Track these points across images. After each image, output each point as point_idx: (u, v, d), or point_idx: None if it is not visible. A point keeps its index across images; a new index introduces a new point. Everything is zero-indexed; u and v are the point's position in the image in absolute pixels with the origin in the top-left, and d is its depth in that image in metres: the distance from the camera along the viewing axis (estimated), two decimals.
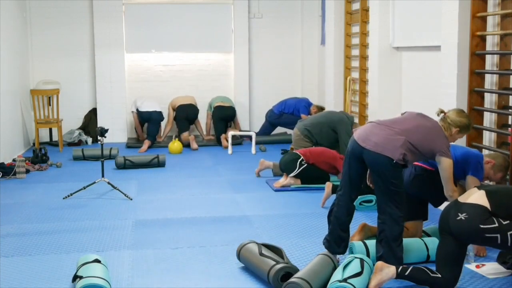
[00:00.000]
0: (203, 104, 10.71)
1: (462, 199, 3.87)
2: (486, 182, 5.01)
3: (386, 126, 4.25)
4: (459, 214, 3.75)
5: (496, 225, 3.68)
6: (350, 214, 4.39)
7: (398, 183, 4.16)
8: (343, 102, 9.53)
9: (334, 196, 6.15)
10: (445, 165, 4.28)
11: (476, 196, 3.81)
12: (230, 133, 9.70)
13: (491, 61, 5.69)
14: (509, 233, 3.67)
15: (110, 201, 6.50)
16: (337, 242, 4.36)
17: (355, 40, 9.24)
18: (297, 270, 4.02)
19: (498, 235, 3.68)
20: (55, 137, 10.32)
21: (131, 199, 6.53)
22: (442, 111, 4.55)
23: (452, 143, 4.50)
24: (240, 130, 10.67)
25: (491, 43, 5.69)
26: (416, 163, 4.76)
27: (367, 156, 4.18)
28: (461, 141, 5.74)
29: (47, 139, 10.45)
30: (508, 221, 3.70)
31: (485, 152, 5.47)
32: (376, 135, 4.19)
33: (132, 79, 10.98)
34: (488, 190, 3.83)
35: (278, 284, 3.96)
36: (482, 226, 3.69)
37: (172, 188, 7.11)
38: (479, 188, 3.90)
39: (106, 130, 6.73)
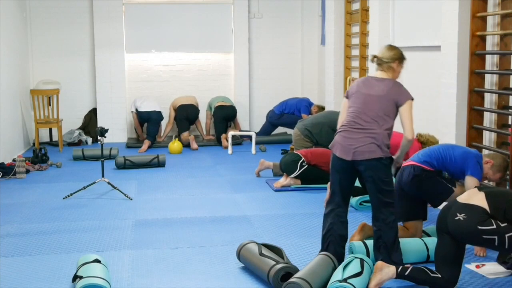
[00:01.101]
0: (203, 104, 10.72)
1: (461, 199, 3.87)
2: (485, 182, 5.02)
3: (357, 129, 4.23)
4: (458, 214, 3.75)
5: (494, 227, 3.68)
6: (347, 227, 4.42)
7: (390, 180, 4.21)
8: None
9: None
10: (407, 107, 4.25)
11: (476, 198, 3.81)
12: (230, 133, 9.70)
13: (491, 61, 5.69)
14: (507, 235, 3.68)
15: (110, 201, 6.50)
16: (339, 259, 4.30)
17: (355, 40, 9.24)
18: (297, 270, 4.02)
19: (496, 237, 3.68)
20: (55, 137, 10.32)
21: (131, 199, 6.53)
22: (374, 56, 4.46)
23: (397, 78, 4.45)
24: (240, 130, 10.67)
25: (491, 43, 5.69)
26: (415, 163, 4.77)
27: (359, 167, 4.20)
28: (461, 142, 5.75)
29: (47, 139, 10.45)
30: (506, 224, 3.70)
31: (485, 152, 5.47)
32: (356, 141, 4.21)
33: (132, 79, 10.98)
34: (488, 193, 3.83)
35: (278, 284, 3.97)
36: (480, 227, 3.69)
37: (172, 188, 7.11)
38: (480, 189, 3.90)
39: (106, 130, 6.73)
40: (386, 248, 4.20)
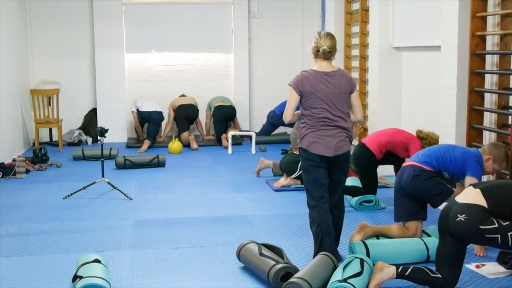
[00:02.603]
0: (203, 104, 10.71)
1: (459, 199, 3.86)
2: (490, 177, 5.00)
3: (330, 126, 4.40)
4: (459, 215, 3.75)
5: (496, 225, 3.68)
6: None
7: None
8: None
9: None
10: (357, 93, 4.56)
11: (473, 196, 3.80)
12: (230, 133, 9.70)
13: (491, 61, 5.69)
14: (509, 233, 3.67)
15: (110, 201, 6.50)
16: (333, 251, 4.41)
17: (355, 40, 9.23)
18: (297, 270, 4.02)
19: (499, 236, 3.68)
20: (55, 137, 10.32)
21: (131, 199, 6.53)
22: (317, 50, 4.47)
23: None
24: (240, 130, 10.67)
25: (491, 43, 5.68)
26: (415, 163, 4.77)
27: (337, 160, 4.44)
28: (461, 142, 5.75)
29: (47, 139, 10.45)
30: (508, 222, 3.70)
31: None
32: (333, 137, 4.40)
33: (132, 79, 10.98)
34: (482, 188, 3.82)
35: (278, 284, 3.97)
36: (482, 227, 3.69)
37: (172, 188, 7.11)
38: (475, 186, 3.89)
39: (106, 130, 6.73)
40: (338, 235, 4.61)
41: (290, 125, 9.98)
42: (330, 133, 4.39)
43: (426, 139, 6.08)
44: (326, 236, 4.40)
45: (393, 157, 6.25)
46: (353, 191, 6.18)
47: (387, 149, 6.16)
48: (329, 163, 4.44)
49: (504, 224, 3.69)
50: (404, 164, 4.90)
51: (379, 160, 6.18)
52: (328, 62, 4.47)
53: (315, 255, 4.41)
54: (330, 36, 4.47)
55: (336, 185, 4.53)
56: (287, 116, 4.50)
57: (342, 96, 4.41)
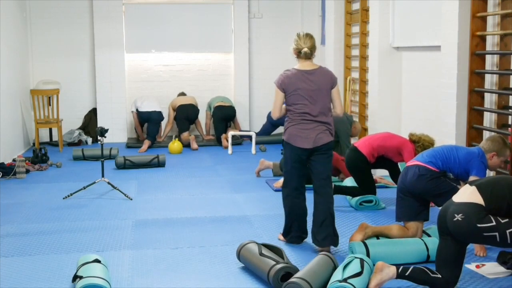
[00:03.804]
0: (203, 104, 10.71)
1: (456, 198, 3.86)
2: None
3: (310, 121, 4.71)
4: (456, 215, 3.74)
5: (494, 223, 3.68)
6: (305, 201, 4.96)
7: None
8: (343, 102, 9.53)
9: (335, 196, 6.22)
10: (338, 88, 4.87)
11: (469, 194, 3.80)
12: (230, 133, 9.70)
13: (491, 61, 5.70)
14: (508, 231, 3.66)
15: (110, 201, 6.50)
16: (303, 231, 4.96)
17: (355, 40, 9.24)
18: (297, 270, 4.02)
19: (497, 234, 3.67)
20: (55, 137, 10.32)
21: (131, 199, 6.53)
22: (300, 50, 4.91)
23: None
24: (240, 130, 10.67)
25: (491, 43, 5.69)
26: (419, 163, 4.76)
27: (318, 151, 4.73)
28: (461, 142, 5.75)
29: (47, 139, 10.45)
30: (507, 219, 3.69)
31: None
32: (312, 130, 4.71)
33: (132, 79, 10.98)
34: (478, 185, 3.82)
35: (278, 284, 3.97)
36: (479, 225, 3.68)
37: (172, 188, 7.11)
38: (470, 184, 3.89)
39: (106, 130, 6.73)
40: (332, 221, 4.72)
41: None
42: (309, 127, 4.71)
43: (419, 142, 6.01)
44: (295, 221, 4.90)
45: (387, 161, 6.22)
46: (353, 191, 6.18)
47: (379, 154, 6.12)
48: (311, 154, 4.75)
49: (503, 221, 3.68)
50: (408, 164, 4.89)
51: (372, 163, 6.16)
52: (310, 61, 4.87)
53: (284, 228, 4.99)
54: (310, 36, 4.87)
55: (319, 174, 4.77)
56: (275, 113, 4.83)
57: (323, 92, 4.74)
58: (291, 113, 4.77)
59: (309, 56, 4.85)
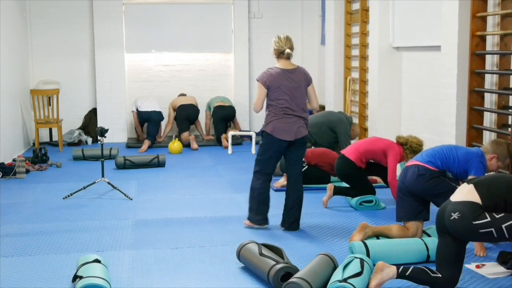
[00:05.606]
0: (203, 104, 10.71)
1: (453, 198, 3.87)
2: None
3: (290, 115, 5.20)
4: (452, 214, 3.75)
5: (489, 219, 3.67)
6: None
7: None
8: (343, 102, 9.53)
9: (335, 197, 6.23)
10: (313, 85, 5.40)
11: (466, 192, 3.80)
12: (230, 133, 9.70)
13: (491, 61, 5.70)
14: (503, 225, 3.66)
15: (110, 201, 6.50)
16: (265, 216, 5.39)
17: (355, 40, 9.24)
18: (297, 270, 4.02)
19: (493, 229, 3.67)
20: (55, 137, 10.32)
21: (131, 199, 6.53)
22: (282, 51, 5.41)
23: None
24: (240, 130, 10.67)
25: (491, 43, 5.69)
26: (419, 163, 4.76)
27: (296, 143, 5.24)
28: (461, 142, 5.75)
29: (47, 139, 10.45)
30: (502, 214, 3.69)
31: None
32: (293, 124, 5.20)
33: (132, 79, 10.98)
34: (475, 183, 3.83)
35: (278, 284, 3.96)
36: (474, 223, 3.68)
37: (172, 188, 7.11)
38: (468, 182, 3.89)
39: (106, 130, 6.73)
40: (300, 208, 5.33)
41: None
42: (290, 121, 5.21)
43: (406, 144, 5.98)
44: (263, 203, 5.35)
45: (377, 166, 6.21)
46: (353, 192, 6.17)
47: (367, 158, 6.12)
48: (289, 146, 5.25)
49: (497, 216, 3.67)
50: (408, 163, 4.89)
51: (363, 169, 6.14)
52: (289, 60, 5.37)
53: (250, 211, 5.40)
54: (289, 38, 5.43)
55: (294, 164, 5.33)
56: (257, 107, 5.30)
57: (302, 89, 5.28)
58: (273, 108, 5.24)
59: (290, 56, 5.36)
